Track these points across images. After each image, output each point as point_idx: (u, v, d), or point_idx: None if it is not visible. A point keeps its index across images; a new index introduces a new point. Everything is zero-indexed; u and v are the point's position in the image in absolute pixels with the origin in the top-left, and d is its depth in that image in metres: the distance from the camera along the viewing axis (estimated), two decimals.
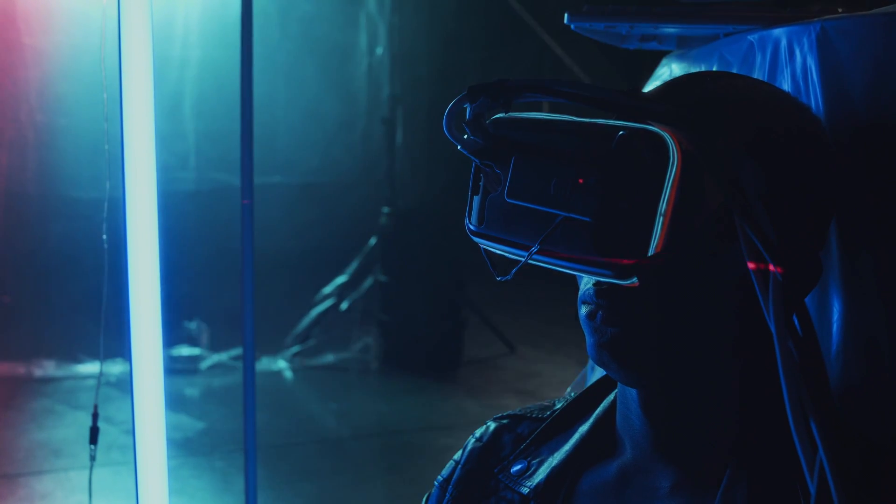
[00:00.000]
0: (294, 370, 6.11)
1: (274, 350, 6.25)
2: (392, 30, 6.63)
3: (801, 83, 0.98)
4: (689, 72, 1.08)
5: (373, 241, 6.37)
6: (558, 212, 0.75)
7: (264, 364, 6.16)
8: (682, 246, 0.74)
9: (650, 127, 0.72)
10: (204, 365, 6.03)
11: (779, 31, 1.02)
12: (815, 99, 0.96)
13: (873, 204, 0.90)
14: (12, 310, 5.65)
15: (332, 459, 4.19)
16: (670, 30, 1.26)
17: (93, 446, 1.81)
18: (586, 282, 0.83)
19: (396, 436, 4.54)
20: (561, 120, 0.79)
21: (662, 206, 0.71)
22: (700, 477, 0.83)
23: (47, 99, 5.61)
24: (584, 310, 0.83)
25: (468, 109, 0.79)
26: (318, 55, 6.47)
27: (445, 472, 1.01)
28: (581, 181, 0.73)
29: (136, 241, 1.48)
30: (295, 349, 6.33)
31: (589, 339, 0.83)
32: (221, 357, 6.18)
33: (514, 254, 0.81)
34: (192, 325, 6.11)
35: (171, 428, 4.64)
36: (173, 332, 6.07)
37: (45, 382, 5.33)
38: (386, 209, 6.26)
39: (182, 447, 4.31)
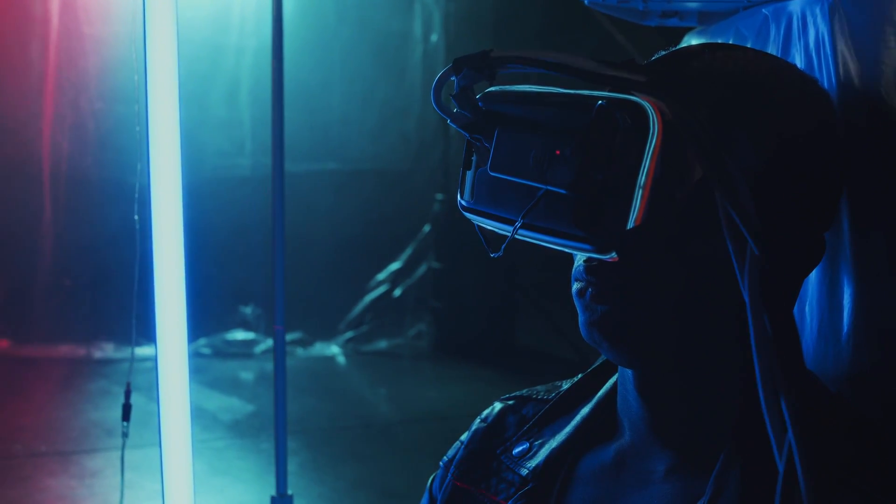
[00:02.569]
0: (347, 356, 6.17)
1: (327, 336, 6.31)
2: (447, 17, 6.62)
3: (815, 56, 0.95)
4: None
5: (427, 228, 6.38)
6: (536, 184, 0.73)
7: (317, 349, 6.24)
8: (665, 219, 0.71)
9: (632, 97, 0.70)
10: (258, 349, 6.13)
11: (793, 3, 0.98)
12: (827, 72, 0.92)
13: (885, 182, 0.87)
14: (73, 293, 5.80)
15: (377, 444, 4.22)
16: (690, 4, 1.22)
17: (125, 423, 1.84)
18: (579, 258, 0.81)
19: (443, 422, 4.55)
20: (547, 92, 0.77)
21: (642, 179, 0.69)
22: (695, 461, 0.81)
23: (107, 87, 5.73)
24: (575, 287, 0.81)
25: (455, 83, 0.78)
26: (373, 42, 6.50)
27: (451, 452, 1.01)
28: (558, 152, 0.71)
29: (161, 225, 1.49)
30: (348, 335, 6.39)
31: (580, 317, 0.81)
32: None
33: (501, 229, 0.80)
34: (248, 310, 6.20)
35: (221, 410, 4.73)
36: (229, 317, 6.18)
37: (103, 364, 5.46)
38: (440, 196, 6.26)
39: (231, 429, 4.39)
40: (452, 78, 0.79)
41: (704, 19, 1.28)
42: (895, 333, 0.87)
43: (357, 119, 6.50)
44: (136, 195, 1.70)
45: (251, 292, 6.12)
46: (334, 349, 6.29)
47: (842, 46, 0.91)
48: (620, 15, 1.28)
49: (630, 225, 0.69)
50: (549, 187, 0.72)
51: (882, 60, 0.87)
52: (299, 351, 6.23)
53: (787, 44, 1.00)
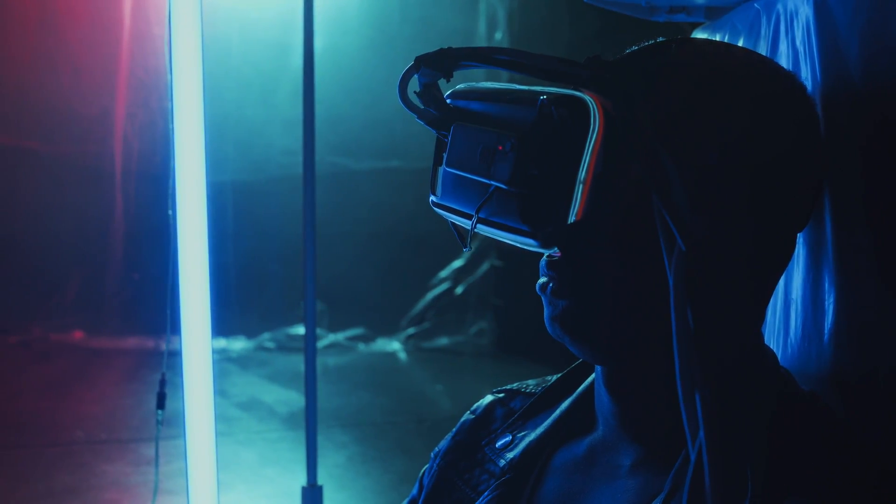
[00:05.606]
0: (408, 352, 6.21)
1: (389, 332, 6.36)
2: (511, 14, 6.61)
3: (802, 50, 0.93)
4: None
5: None
6: (480, 179, 0.74)
7: (379, 345, 6.29)
8: (610, 214, 0.71)
9: (576, 93, 0.71)
10: (321, 344, 6.21)
11: None
12: (812, 66, 0.91)
13: (869, 182, 0.85)
14: (142, 286, 5.97)
15: (428, 439, 4.23)
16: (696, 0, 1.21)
17: (160, 411, 1.90)
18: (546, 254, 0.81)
19: None
20: (503, 88, 0.78)
21: (582, 174, 0.69)
22: (660, 457, 0.80)
23: None
24: (539, 281, 0.82)
25: (418, 80, 0.80)
26: (437, 40, 6.52)
27: (441, 443, 1.02)
28: (500, 148, 0.72)
29: (186, 220, 1.53)
30: (410, 331, 6.43)
31: (544, 312, 0.82)
32: (338, 337, 6.34)
33: (464, 224, 0.81)
34: None
35: (278, 403, 4.82)
36: (293, 312, 6.28)
37: (171, 356, 5.60)
38: None
39: (286, 421, 4.46)
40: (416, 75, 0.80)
41: (711, 14, 1.26)
42: (875, 334, 0.85)
43: None
44: (170, 191, 1.76)
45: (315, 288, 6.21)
46: (395, 345, 6.34)
47: (827, 41, 0.89)
48: (624, 11, 1.27)
49: (571, 219, 0.70)
50: (492, 182, 0.73)
51: (866, 56, 0.85)
52: (360, 347, 6.30)
53: (776, 38, 0.99)
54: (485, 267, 6.51)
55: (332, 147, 6.50)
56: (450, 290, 6.55)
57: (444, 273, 6.58)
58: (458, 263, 6.57)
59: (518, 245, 0.78)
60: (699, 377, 0.61)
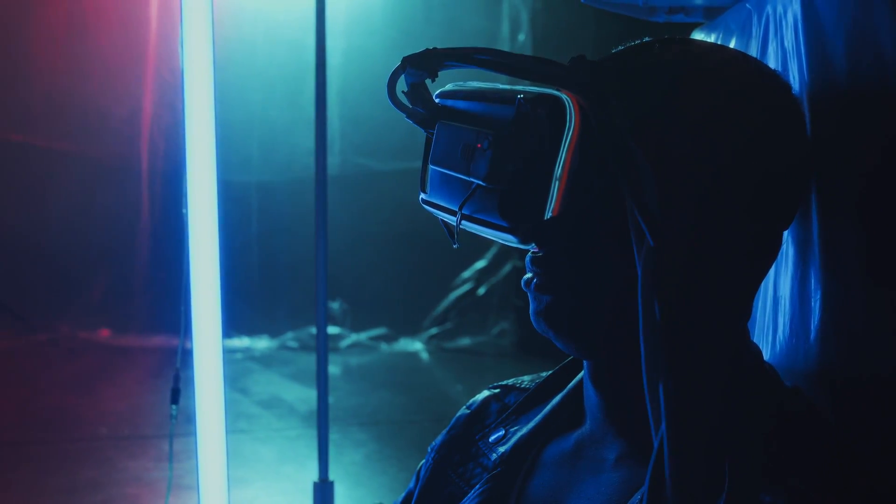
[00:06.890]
0: (430, 352, 6.22)
1: (412, 332, 6.38)
2: (534, 16, 6.61)
3: (791, 49, 0.94)
4: None
5: None
6: (462, 176, 0.76)
7: (401, 345, 6.32)
8: (587, 210, 0.73)
9: (553, 91, 0.72)
10: (343, 344, 6.24)
11: None
12: (799, 66, 0.92)
13: (855, 178, 0.85)
14: (167, 285, 6.04)
15: None
16: (694, 0, 1.22)
17: (174, 406, 1.94)
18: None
19: None
20: (487, 88, 0.80)
21: (558, 170, 0.71)
22: (644, 450, 0.82)
23: None
24: (524, 277, 0.83)
25: (405, 80, 0.82)
26: (460, 42, 6.51)
27: (437, 438, 1.03)
28: (479, 145, 0.74)
29: (197, 220, 1.56)
30: (432, 331, 6.45)
31: (530, 307, 0.83)
32: (360, 337, 6.37)
33: (451, 221, 0.82)
34: (335, 306, 6.33)
35: (299, 401, 4.85)
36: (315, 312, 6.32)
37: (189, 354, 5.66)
38: None
39: (305, 419, 4.49)
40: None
41: (710, 14, 1.27)
42: (861, 331, 0.86)
43: None
44: (185, 189, 1.79)
45: (338, 288, 6.24)
46: (418, 345, 6.36)
47: (813, 41, 0.90)
48: (623, 11, 1.28)
49: (548, 215, 0.71)
50: (471, 179, 0.75)
51: (851, 55, 0.86)
52: (383, 346, 6.33)
53: (765, 38, 0.99)
54: (507, 268, 6.51)
55: (356, 148, 6.53)
56: (472, 291, 6.56)
57: (466, 274, 6.59)
58: (480, 264, 6.58)
59: (501, 241, 0.80)
60: (664, 369, 0.62)
